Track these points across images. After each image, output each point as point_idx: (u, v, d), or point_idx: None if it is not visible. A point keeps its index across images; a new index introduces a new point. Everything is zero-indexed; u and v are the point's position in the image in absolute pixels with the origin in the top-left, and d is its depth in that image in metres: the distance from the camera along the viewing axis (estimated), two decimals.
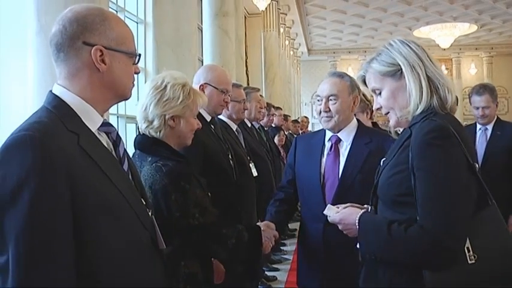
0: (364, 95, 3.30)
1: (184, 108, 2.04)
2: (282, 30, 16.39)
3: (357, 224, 1.71)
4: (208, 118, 2.77)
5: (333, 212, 1.88)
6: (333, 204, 2.20)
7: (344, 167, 2.41)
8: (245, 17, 12.50)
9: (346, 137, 2.49)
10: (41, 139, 1.20)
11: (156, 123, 2.03)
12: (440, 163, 1.49)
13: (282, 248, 6.28)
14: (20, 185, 1.16)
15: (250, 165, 3.20)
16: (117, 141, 1.48)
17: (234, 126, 3.43)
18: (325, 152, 2.50)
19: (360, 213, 1.73)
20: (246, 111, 3.65)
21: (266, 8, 12.71)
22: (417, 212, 1.51)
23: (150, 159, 2.03)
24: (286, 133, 7.26)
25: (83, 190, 1.25)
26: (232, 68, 8.37)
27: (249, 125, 4.30)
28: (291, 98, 20.16)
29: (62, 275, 1.20)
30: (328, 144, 2.51)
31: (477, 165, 1.56)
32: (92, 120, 1.40)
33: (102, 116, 1.45)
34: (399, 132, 1.87)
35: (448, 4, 18.48)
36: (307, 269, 2.57)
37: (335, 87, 2.44)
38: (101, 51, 1.37)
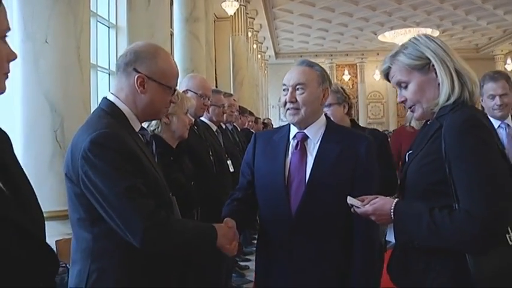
0: (342, 88, 3.25)
1: (174, 107, 2.45)
2: (250, 34, 16.59)
3: (392, 213, 1.68)
4: (192, 120, 3.07)
5: (358, 203, 1.79)
6: (300, 208, 2.11)
7: (312, 168, 2.13)
8: (214, 21, 12.65)
9: (314, 135, 2.20)
10: (118, 134, 1.67)
11: (153, 122, 2.49)
12: (480, 150, 1.54)
13: (253, 241, 6.60)
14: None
15: (228, 162, 3.56)
16: (150, 141, 1.94)
17: (214, 128, 3.80)
18: (290, 151, 2.21)
19: (393, 202, 1.70)
20: (225, 114, 4.03)
21: (234, 13, 12.90)
22: (454, 199, 1.56)
23: None
24: None
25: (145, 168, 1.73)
26: (203, 72, 8.54)
27: (223, 126, 4.55)
28: (259, 101, 20.38)
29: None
30: (293, 142, 2.22)
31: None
32: (136, 125, 1.83)
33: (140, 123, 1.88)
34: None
35: (412, 10, 19.03)
36: (270, 281, 2.21)
37: (303, 75, 2.18)
38: (142, 78, 1.78)
